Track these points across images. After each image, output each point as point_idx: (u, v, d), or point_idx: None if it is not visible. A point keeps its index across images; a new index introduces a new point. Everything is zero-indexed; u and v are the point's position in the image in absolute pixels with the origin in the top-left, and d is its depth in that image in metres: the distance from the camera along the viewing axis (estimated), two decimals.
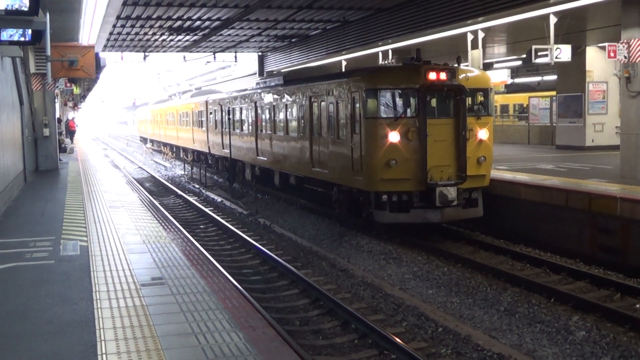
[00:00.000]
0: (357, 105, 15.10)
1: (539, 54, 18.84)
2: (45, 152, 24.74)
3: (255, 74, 38.42)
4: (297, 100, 18.92)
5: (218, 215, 19.12)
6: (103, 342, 6.18)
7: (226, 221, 18.09)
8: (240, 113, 25.04)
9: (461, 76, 14.97)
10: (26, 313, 7.18)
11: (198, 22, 25.75)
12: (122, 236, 11.51)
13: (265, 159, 22.16)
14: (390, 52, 25.52)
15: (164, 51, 35.10)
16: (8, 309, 7.35)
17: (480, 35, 20.31)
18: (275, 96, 20.98)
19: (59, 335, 6.43)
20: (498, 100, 36.70)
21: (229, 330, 6.52)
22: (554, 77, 30.07)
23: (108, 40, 28.52)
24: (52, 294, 7.91)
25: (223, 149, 27.61)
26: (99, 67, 22.73)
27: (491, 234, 15.45)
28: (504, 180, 15.93)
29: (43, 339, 6.35)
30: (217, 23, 26.00)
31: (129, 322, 6.75)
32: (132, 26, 26.06)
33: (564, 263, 12.90)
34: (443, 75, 14.66)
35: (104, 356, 5.84)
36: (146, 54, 34.64)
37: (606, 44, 17.38)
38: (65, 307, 7.37)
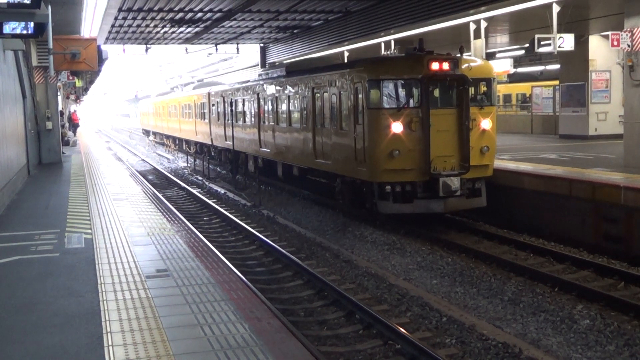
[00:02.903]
0: (360, 95, 15.08)
1: (542, 43, 18.77)
2: (48, 145, 24.79)
3: (258, 65, 38.34)
4: (300, 91, 18.89)
5: (221, 207, 19.15)
6: (109, 334, 6.21)
7: (229, 213, 18.11)
8: (243, 105, 25.02)
9: (464, 66, 14.94)
10: (32, 306, 7.21)
11: (200, 14, 25.67)
12: (127, 228, 11.54)
13: (268, 150, 22.16)
14: (392, 42, 25.43)
15: (166, 43, 35.02)
16: (14, 302, 7.38)
17: (483, 24, 20.23)
18: (278, 87, 20.95)
19: (65, 328, 6.46)
20: (501, 90, 36.60)
21: (235, 321, 6.54)
22: (556, 66, 29.97)
23: (110, 32, 28.47)
24: (57, 286, 7.94)
25: (226, 140, 27.62)
26: (101, 59, 22.76)
27: (495, 224, 15.45)
28: (508, 170, 15.92)
29: (49, 331, 6.38)
30: (218, 15, 25.93)
31: (134, 314, 6.78)
32: (134, 18, 26.00)
33: (567, 252, 12.91)
34: (446, 65, 14.64)
35: (110, 348, 5.87)
36: (148, 46, 34.57)
37: (609, 33, 17.26)
38: (70, 299, 7.40)
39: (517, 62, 34.31)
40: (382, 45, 26.15)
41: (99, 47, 22.03)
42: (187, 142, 38.62)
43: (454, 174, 14.67)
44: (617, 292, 10.68)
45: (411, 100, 14.85)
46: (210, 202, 20.10)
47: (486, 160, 15.18)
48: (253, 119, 23.76)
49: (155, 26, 28.34)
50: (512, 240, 13.98)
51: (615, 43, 16.37)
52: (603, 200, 12.92)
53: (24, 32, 10.47)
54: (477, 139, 14.96)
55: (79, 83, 34.48)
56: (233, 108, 25.97)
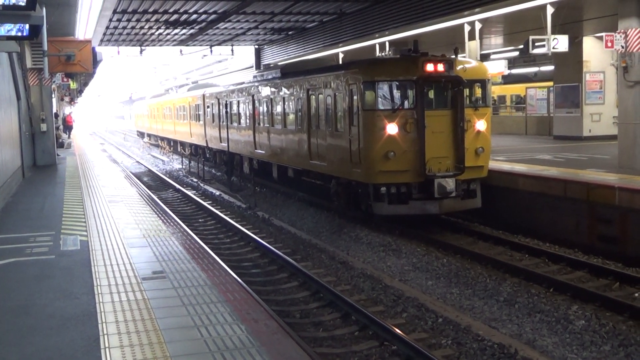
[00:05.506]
0: (355, 97, 15.09)
1: (536, 44, 18.81)
2: (43, 147, 24.72)
3: (252, 67, 38.36)
4: (295, 93, 18.90)
5: (217, 209, 19.14)
6: (106, 336, 6.20)
7: (225, 215, 18.09)
8: (238, 106, 25.01)
9: (459, 67, 14.97)
10: (28, 308, 7.19)
11: (194, 16, 25.68)
12: (122, 230, 11.53)
13: (263, 152, 22.15)
14: (387, 44, 25.47)
15: (161, 45, 35.04)
16: (10, 305, 7.37)
17: (477, 26, 20.29)
18: (273, 89, 20.95)
19: (62, 330, 6.45)
20: (495, 91, 36.66)
21: (231, 322, 6.55)
22: (551, 67, 30.05)
23: (104, 34, 28.46)
24: (53, 288, 7.93)
25: (221, 142, 27.59)
26: (95, 61, 22.72)
27: (490, 225, 15.48)
28: (502, 171, 15.96)
29: (45, 333, 6.37)
30: (213, 16, 25.94)
31: (131, 316, 6.78)
32: (129, 20, 26.00)
33: (562, 253, 12.95)
34: (440, 67, 14.66)
35: (107, 350, 5.86)
36: (142, 48, 34.57)
37: (603, 34, 17.35)
38: (67, 301, 7.39)
39: (512, 63, 34.37)
40: (377, 46, 26.19)
41: (93, 49, 22.00)
42: (182, 144, 38.57)
43: (449, 175, 14.70)
44: (612, 292, 10.72)
45: (406, 102, 14.87)
46: (205, 204, 20.08)
47: (481, 161, 15.22)
48: (248, 121, 23.75)
49: (150, 28, 28.34)
50: (507, 241, 14.01)
51: (609, 44, 16.43)
52: (598, 201, 12.96)
53: (19, 34, 10.45)
54: (472, 140, 14.99)
55: (73, 85, 34.45)
56: (228, 110, 25.96)
